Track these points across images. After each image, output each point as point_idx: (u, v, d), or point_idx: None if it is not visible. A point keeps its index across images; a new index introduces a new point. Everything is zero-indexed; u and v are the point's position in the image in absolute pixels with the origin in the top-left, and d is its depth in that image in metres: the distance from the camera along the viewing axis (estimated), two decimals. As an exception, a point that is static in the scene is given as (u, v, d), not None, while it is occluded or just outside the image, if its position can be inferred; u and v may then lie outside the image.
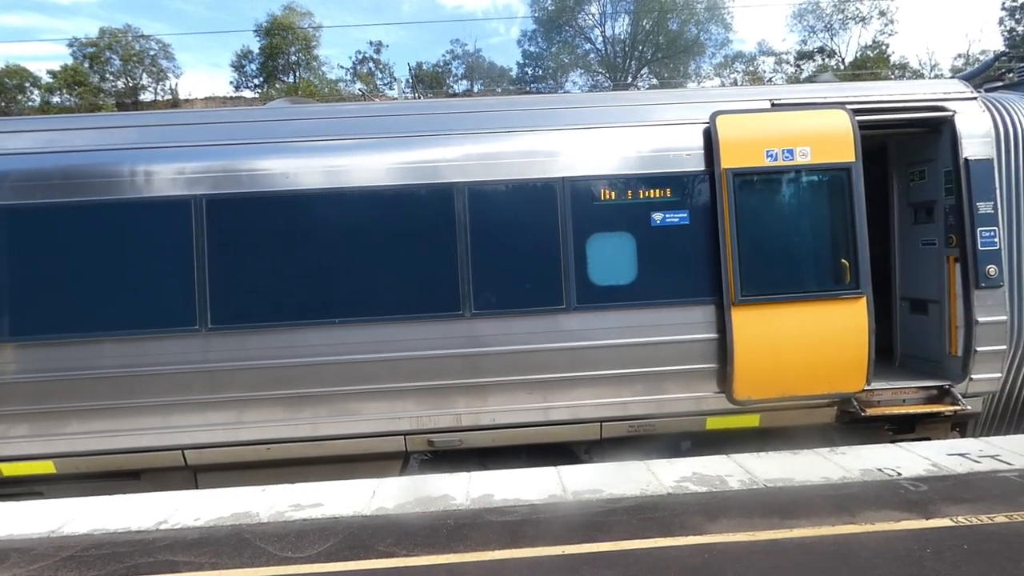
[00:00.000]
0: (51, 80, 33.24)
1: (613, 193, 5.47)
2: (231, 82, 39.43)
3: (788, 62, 40.04)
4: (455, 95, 38.70)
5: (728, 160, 5.42)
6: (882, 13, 38.15)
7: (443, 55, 45.82)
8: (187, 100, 35.24)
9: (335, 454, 5.49)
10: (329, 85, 35.93)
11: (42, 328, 5.26)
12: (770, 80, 38.72)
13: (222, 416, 5.36)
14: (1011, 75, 7.10)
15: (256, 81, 37.67)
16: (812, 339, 5.37)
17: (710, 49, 38.78)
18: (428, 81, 40.06)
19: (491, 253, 5.41)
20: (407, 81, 37.95)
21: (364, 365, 5.36)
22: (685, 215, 5.47)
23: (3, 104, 31.85)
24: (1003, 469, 4.73)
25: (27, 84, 33.20)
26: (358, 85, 38.00)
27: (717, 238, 5.42)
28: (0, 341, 5.25)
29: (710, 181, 5.46)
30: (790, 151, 5.47)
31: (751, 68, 39.56)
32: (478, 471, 5.24)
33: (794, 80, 36.94)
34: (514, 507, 4.45)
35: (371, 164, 5.43)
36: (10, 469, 5.34)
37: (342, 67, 40.11)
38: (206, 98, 35.23)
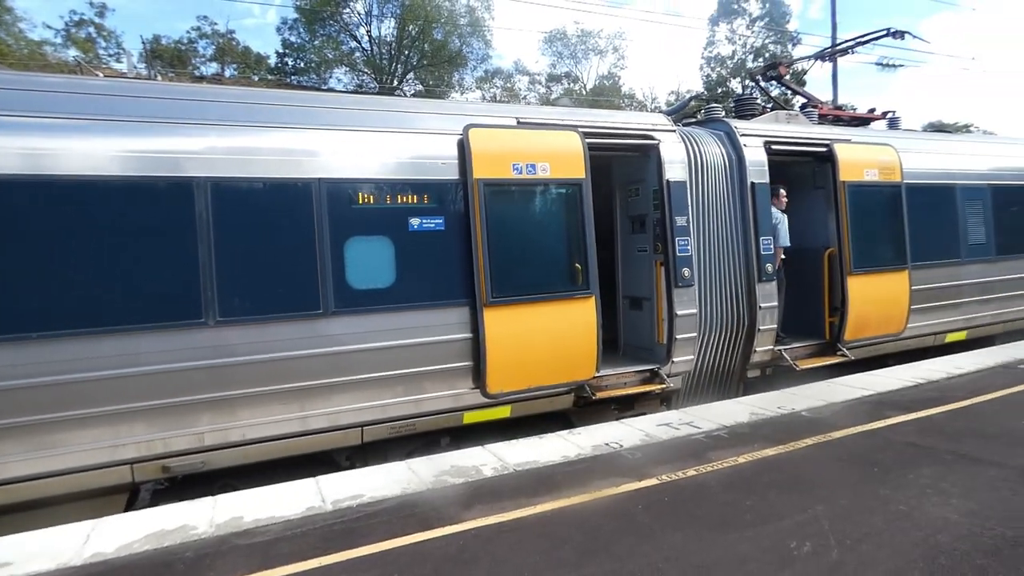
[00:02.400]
0: None
1: (371, 197, 5.47)
2: None
3: (540, 83, 44.01)
4: (203, 78, 34.72)
5: (479, 171, 5.78)
6: (615, 49, 44.11)
7: (188, 31, 40.82)
8: None
9: (35, 497, 4.55)
10: (31, 47, 29.48)
11: None
12: (524, 97, 42.12)
13: None
14: (700, 113, 8.79)
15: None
16: (552, 335, 6.01)
17: (472, 62, 40.76)
18: (168, 59, 35.27)
19: (240, 255, 5.01)
20: (140, 55, 32.94)
21: (77, 386, 4.54)
22: (441, 221, 5.70)
23: None
24: (695, 433, 5.82)
25: None
26: (73, 52, 31.85)
27: (470, 243, 5.75)
28: None
29: (464, 190, 5.77)
30: (533, 165, 6.04)
31: (509, 84, 42.59)
32: (225, 493, 4.80)
33: (544, 100, 40.77)
34: (267, 526, 4.18)
35: (94, 150, 4.64)
36: None
37: (50, 27, 33.20)
38: None
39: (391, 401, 5.54)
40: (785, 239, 7.86)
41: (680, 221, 6.82)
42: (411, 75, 39.97)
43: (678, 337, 6.80)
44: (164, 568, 3.66)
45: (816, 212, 8.34)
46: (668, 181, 6.83)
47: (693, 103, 10.08)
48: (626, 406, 6.88)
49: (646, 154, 7.01)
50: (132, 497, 5.06)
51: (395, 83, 37.96)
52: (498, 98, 39.92)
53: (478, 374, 5.77)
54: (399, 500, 4.54)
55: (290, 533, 4.08)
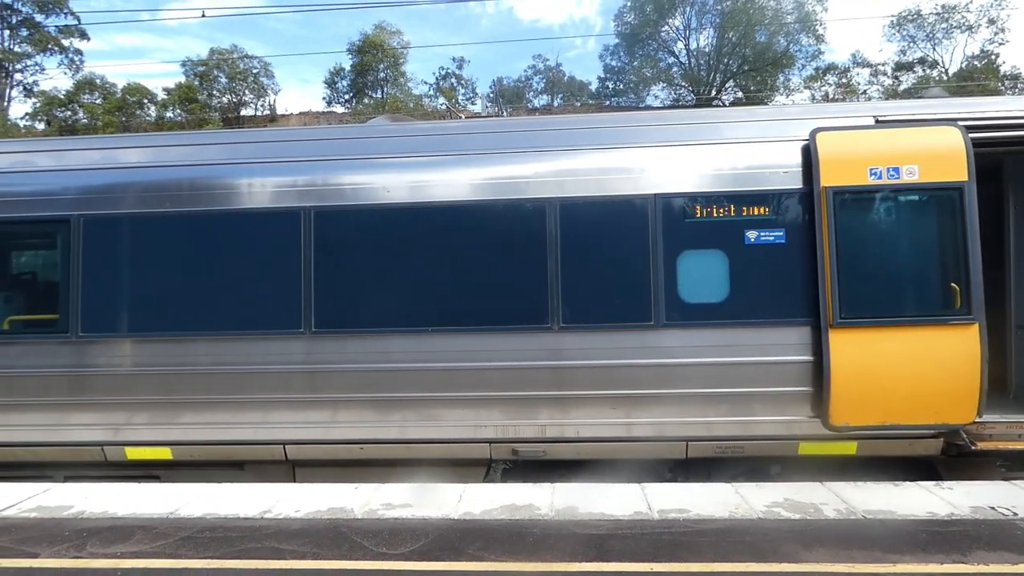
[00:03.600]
0: (165, 97, 36.31)
1: (705, 210, 5.43)
2: (324, 98, 41.69)
3: (885, 74, 38.01)
4: (535, 110, 39.17)
5: (828, 178, 5.26)
6: (991, 21, 35.59)
7: (525, 70, 46.56)
8: (284, 115, 37.51)
9: (421, 457, 5.70)
10: (414, 100, 37.24)
11: (166, 325, 5.76)
12: (864, 93, 36.89)
13: (319, 415, 5.68)
14: None
15: (346, 97, 39.57)
16: (917, 366, 5.10)
17: (800, 61, 37.41)
18: (508, 96, 40.79)
19: (581, 268, 5.48)
20: (488, 96, 38.79)
21: (453, 373, 5.54)
22: (781, 234, 5.34)
23: (124, 119, 34.97)
24: None
25: (145, 100, 36.38)
26: (441, 100, 39.20)
27: (814, 258, 5.27)
28: (126, 336, 5.79)
29: (809, 200, 5.32)
30: (896, 169, 5.25)
31: (844, 80, 37.82)
32: (561, 483, 5.29)
33: (892, 92, 35.05)
34: (599, 521, 4.47)
35: (466, 179, 5.65)
36: (134, 453, 5.86)
37: (425, 82, 41.48)
38: (301, 113, 37.38)
39: (717, 419, 5.40)
40: None
41: (1117, 232, 5.15)
42: (730, 83, 38.64)
43: (1113, 385, 5.13)
44: (518, 537, 4.20)
45: None
46: (1097, 180, 5.23)
47: None
48: (1019, 465, 5.45)
49: (1064, 147, 5.48)
50: (486, 472, 5.93)
51: (713, 93, 37.13)
52: (831, 96, 35.75)
53: (819, 402, 5.24)
54: (727, 523, 4.39)
55: (620, 532, 4.28)
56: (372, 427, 5.67)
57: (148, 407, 5.77)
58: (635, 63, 39.04)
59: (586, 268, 5.48)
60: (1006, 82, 34.48)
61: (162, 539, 4.34)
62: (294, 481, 5.83)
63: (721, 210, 5.41)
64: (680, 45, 38.97)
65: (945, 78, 34.79)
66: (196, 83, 36.65)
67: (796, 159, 5.39)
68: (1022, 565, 3.71)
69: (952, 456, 5.37)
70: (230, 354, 5.70)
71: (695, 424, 5.41)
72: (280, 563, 3.95)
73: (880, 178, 5.26)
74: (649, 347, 5.40)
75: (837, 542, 4.05)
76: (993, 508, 4.50)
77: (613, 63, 40.55)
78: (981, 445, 5.20)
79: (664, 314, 5.37)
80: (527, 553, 4.00)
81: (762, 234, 5.35)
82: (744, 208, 5.38)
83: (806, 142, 5.39)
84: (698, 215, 5.42)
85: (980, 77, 33.38)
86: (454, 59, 41.49)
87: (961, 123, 5.32)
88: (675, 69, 39.38)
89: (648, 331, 5.39)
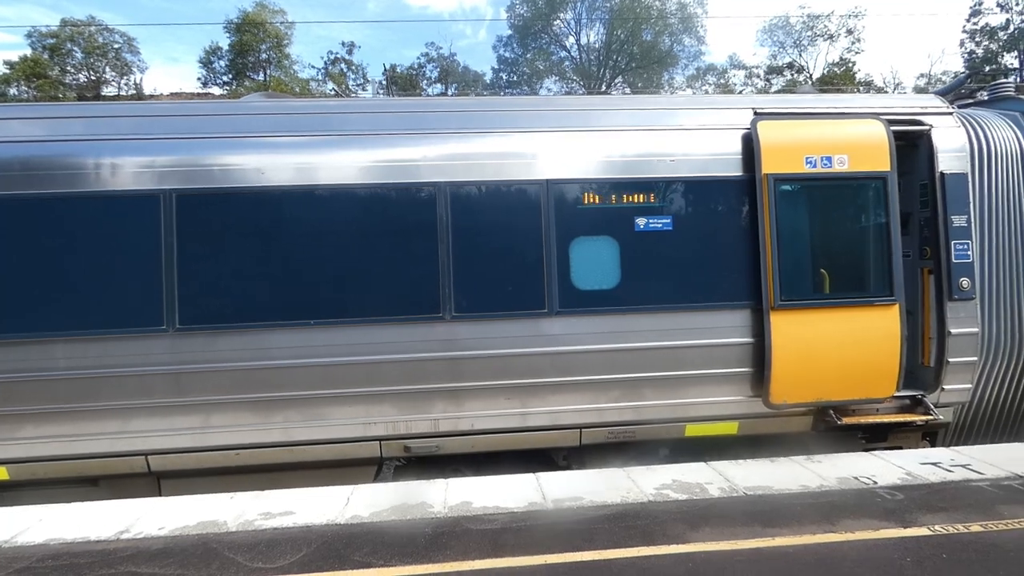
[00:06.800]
0: (8, 71, 31.97)
1: (597, 198, 5.43)
2: (199, 78, 38.52)
3: (758, 76, 40.96)
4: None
5: (770, 165, 5.44)
6: (849, 32, 39.35)
7: (417, 58, 45.59)
8: (152, 95, 34.30)
9: (307, 460, 5.31)
10: (300, 84, 35.36)
11: None
12: (740, 93, 39.54)
13: (188, 420, 5.13)
14: (982, 93, 7.29)
15: (225, 78, 36.85)
16: (847, 344, 5.43)
17: (683, 61, 39.43)
18: (401, 83, 39.78)
19: (473, 255, 5.30)
20: (380, 83, 37.60)
21: (340, 368, 5.20)
22: (669, 220, 5.45)
23: (-45, 93, 30.47)
24: (975, 479, 4.80)
25: (-20, 74, 31.86)
26: (330, 85, 37.53)
27: (752, 243, 5.44)
28: None
29: (746, 186, 5.47)
30: (828, 159, 5.52)
31: (722, 81, 40.34)
32: (455, 477, 5.13)
33: (764, 93, 37.79)
34: (493, 515, 4.34)
35: (351, 161, 5.29)
36: (-42, 475, 5.02)
37: (313, 67, 39.50)
38: (172, 94, 34.35)
39: (607, 405, 5.44)
40: None
41: (958, 221, 5.70)
42: (619, 79, 39.94)
43: (951, 360, 5.68)
44: (409, 540, 3.98)
45: None
46: (942, 174, 5.75)
47: (969, 82, 8.41)
48: (876, 436, 5.94)
49: (912, 143, 5.98)
50: (377, 470, 5.64)
51: (603, 88, 38.20)
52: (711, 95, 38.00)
53: (760, 382, 5.45)
54: (619, 508, 4.43)
55: (515, 525, 4.18)
56: (251, 431, 5.20)
57: None
58: (528, 55, 39.42)
59: (477, 255, 5.30)
60: (861, 87, 38.25)
61: (-11, 574, 3.71)
62: (160, 495, 5.25)
63: (612, 197, 5.43)
64: (571, 40, 39.82)
65: (810, 82, 38.02)
66: (45, 57, 32.55)
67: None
68: (882, 531, 3.99)
69: (820, 431, 5.75)
70: (80, 357, 5.01)
71: (587, 411, 5.43)
72: (135, 590, 3.50)
73: (815, 167, 5.51)
74: (544, 335, 5.33)
75: (721, 520, 4.19)
76: (856, 478, 4.85)
77: (507, 55, 40.71)
78: (846, 420, 5.61)
79: (558, 301, 5.33)
80: (419, 555, 3.80)
81: (650, 221, 5.43)
82: (636, 195, 5.44)
83: (747, 130, 5.53)
84: (589, 202, 5.41)
85: (839, 82, 36.78)
86: (344, 43, 39.93)
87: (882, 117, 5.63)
88: (567, 63, 40.20)
89: (543, 319, 5.33)
